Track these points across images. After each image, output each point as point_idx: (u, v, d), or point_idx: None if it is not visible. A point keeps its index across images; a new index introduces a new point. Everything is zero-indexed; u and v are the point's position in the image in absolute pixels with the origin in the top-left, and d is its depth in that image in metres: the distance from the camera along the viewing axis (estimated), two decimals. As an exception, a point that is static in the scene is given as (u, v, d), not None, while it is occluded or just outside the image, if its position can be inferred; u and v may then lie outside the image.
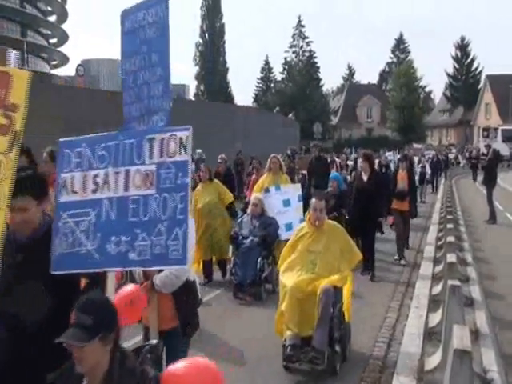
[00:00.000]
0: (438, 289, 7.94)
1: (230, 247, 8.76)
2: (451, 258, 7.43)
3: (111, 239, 2.86)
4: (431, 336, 6.25)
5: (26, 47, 62.72)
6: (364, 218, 9.17)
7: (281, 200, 9.28)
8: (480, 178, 22.05)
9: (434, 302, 7.43)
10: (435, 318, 6.67)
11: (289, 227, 8.89)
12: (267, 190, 9.36)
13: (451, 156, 34.41)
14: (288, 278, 5.61)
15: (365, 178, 9.55)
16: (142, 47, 4.12)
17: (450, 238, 9.23)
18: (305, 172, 14.13)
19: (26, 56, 64.29)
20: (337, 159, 17.50)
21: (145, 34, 4.07)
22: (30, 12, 68.69)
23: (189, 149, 2.88)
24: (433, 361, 5.33)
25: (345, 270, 5.67)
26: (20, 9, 66.26)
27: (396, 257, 10.57)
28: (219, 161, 13.46)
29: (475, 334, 6.09)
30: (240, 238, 8.32)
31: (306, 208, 10.40)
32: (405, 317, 7.03)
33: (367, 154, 10.12)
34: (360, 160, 9.87)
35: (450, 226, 11.03)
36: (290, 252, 5.90)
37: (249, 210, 8.71)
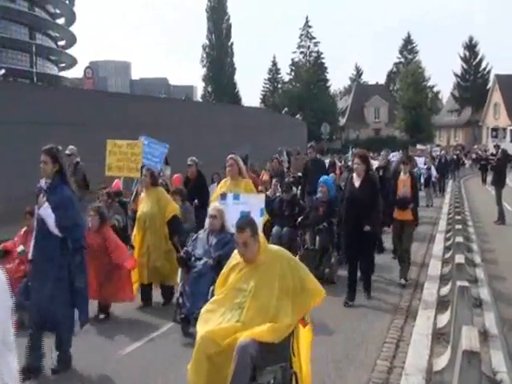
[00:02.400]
0: (446, 290, 7.92)
1: (179, 271, 6.86)
2: (460, 258, 7.41)
3: None
4: (440, 337, 6.24)
5: (34, 50, 63.06)
6: (358, 233, 7.72)
7: (239, 212, 7.31)
8: (489, 178, 21.73)
9: (442, 303, 7.41)
10: (443, 319, 6.66)
11: None
12: (224, 197, 7.78)
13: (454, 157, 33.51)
14: (203, 324, 4.26)
15: (357, 183, 7.92)
16: None
17: (459, 239, 9.20)
18: (300, 174, 13.20)
19: (34, 58, 64.62)
20: (338, 162, 16.34)
21: None
22: (39, 14, 69.10)
23: None
24: (441, 362, 5.32)
25: (285, 318, 4.13)
26: (28, 11, 66.65)
27: (402, 282, 8.96)
28: (189, 163, 11.04)
29: (484, 335, 6.09)
30: (193, 259, 6.59)
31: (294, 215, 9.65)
32: (413, 318, 7.01)
33: (363, 154, 8.24)
34: (354, 161, 8.06)
35: (458, 226, 10.98)
36: (221, 285, 4.57)
37: (206, 224, 6.95)
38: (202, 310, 4.41)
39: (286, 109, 57.56)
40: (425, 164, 21.89)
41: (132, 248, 8.09)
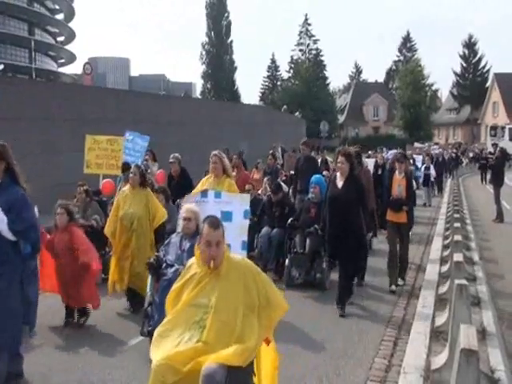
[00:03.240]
0: (444, 288, 7.92)
1: (149, 279, 6.01)
2: (458, 257, 7.40)
3: None
4: (438, 335, 6.24)
5: (33, 45, 63.02)
6: (344, 237, 7.09)
7: (219, 211, 6.70)
8: (489, 177, 21.59)
9: (440, 301, 7.41)
10: (442, 318, 6.66)
11: None
12: (204, 194, 7.05)
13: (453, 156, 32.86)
14: (156, 350, 3.68)
15: (339, 183, 7.30)
16: None
17: (457, 237, 9.20)
18: (292, 172, 12.40)
19: (33, 54, 64.56)
20: (329, 159, 15.46)
21: None
22: (38, 10, 69.05)
23: None
24: (439, 360, 5.32)
25: (252, 337, 3.65)
26: (28, 7, 66.59)
27: (393, 288, 8.34)
28: (171, 160, 10.21)
29: (482, 334, 6.09)
30: (164, 265, 5.92)
31: (285, 217, 8.97)
32: (411, 316, 7.01)
33: (347, 152, 7.43)
34: (338, 159, 7.35)
35: (456, 224, 10.98)
36: (173, 303, 3.96)
37: (179, 227, 6.29)
38: (154, 335, 3.81)
39: (285, 106, 57.52)
40: (423, 163, 21.49)
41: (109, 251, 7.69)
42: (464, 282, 5.87)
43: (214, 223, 3.88)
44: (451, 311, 5.85)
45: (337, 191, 7.25)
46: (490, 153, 24.51)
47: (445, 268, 9.23)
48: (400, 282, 8.55)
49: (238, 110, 35.75)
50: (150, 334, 5.41)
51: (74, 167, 12.70)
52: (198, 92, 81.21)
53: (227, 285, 3.75)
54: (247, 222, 7.07)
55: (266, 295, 3.83)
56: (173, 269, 5.71)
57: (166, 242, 6.16)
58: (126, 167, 10.09)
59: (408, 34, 79.51)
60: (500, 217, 16.03)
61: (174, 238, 6.06)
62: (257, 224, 9.58)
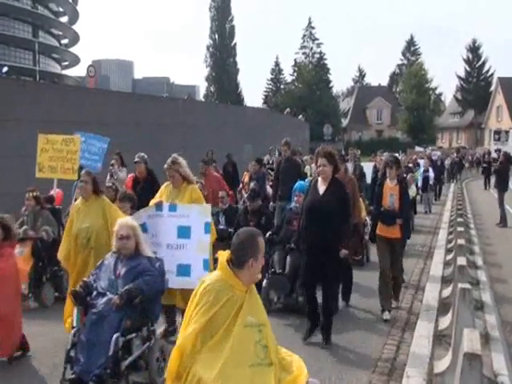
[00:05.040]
0: (447, 292, 7.90)
1: (75, 311, 4.90)
2: (461, 261, 7.38)
3: None
4: (441, 339, 6.23)
5: (37, 48, 63.19)
6: (321, 254, 5.96)
7: (176, 226, 5.99)
8: (492, 182, 21.23)
9: (443, 305, 7.40)
10: (445, 321, 6.64)
11: (184, 271, 5.85)
12: (159, 207, 6.18)
13: (447, 162, 31.62)
14: (212, 369, 3.20)
15: (321, 189, 6.15)
16: None
17: (461, 241, 9.18)
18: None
19: (37, 56, 64.75)
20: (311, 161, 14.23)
21: None
22: (42, 13, 69.33)
23: None
24: (442, 364, 5.31)
25: (278, 348, 3.62)
26: (32, 10, 66.87)
27: (386, 317, 7.11)
28: (136, 160, 9.09)
29: (485, 338, 6.07)
30: (94, 294, 4.86)
31: (267, 227, 7.89)
32: (414, 319, 7.00)
33: (329, 152, 6.23)
34: (318, 161, 6.23)
35: (460, 228, 10.95)
36: (206, 331, 3.32)
37: (114, 246, 5.13)
38: (209, 376, 3.18)
39: (288, 109, 57.57)
40: (423, 166, 20.74)
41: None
42: (467, 286, 5.86)
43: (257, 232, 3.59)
44: (454, 315, 5.84)
45: (317, 198, 6.11)
46: (494, 159, 24.40)
47: (448, 272, 9.20)
48: (393, 303, 7.51)
49: (241, 112, 35.77)
50: (73, 383, 4.45)
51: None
52: (201, 95, 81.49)
53: (258, 300, 3.59)
54: (208, 237, 6.06)
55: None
56: (104, 299, 4.72)
57: (99, 263, 5.13)
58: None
59: (412, 38, 79.65)
60: (504, 221, 15.99)
61: (108, 260, 5.05)
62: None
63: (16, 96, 14.94)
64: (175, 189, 6.44)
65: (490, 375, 5.08)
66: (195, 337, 3.30)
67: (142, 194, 7.91)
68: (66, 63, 79.58)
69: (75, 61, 79.52)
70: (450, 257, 10.23)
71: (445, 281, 8.76)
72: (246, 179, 13.20)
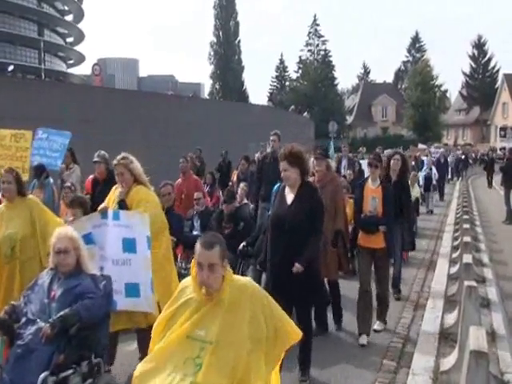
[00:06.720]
0: (453, 289, 7.88)
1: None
2: (467, 258, 7.37)
3: None
4: (447, 337, 6.21)
5: (42, 46, 63.34)
6: (288, 274, 4.78)
7: (120, 238, 5.04)
8: (496, 179, 20.89)
9: (449, 303, 7.38)
10: (451, 319, 6.63)
11: (133, 290, 4.91)
12: (105, 214, 5.18)
13: (450, 159, 30.66)
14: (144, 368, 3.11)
15: (289, 198, 5.06)
16: None
17: (467, 239, 9.16)
18: None
19: (42, 55, 64.90)
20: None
21: None
22: (47, 11, 69.50)
23: None
24: (448, 362, 5.30)
25: (259, 378, 3.02)
26: (37, 8, 67.05)
27: (362, 341, 6.14)
28: (96, 159, 8.08)
29: (491, 336, 6.06)
30: (23, 321, 4.01)
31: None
32: (420, 317, 6.98)
33: (293, 153, 4.99)
34: (280, 165, 5.05)
35: (466, 226, 10.92)
36: (163, 329, 3.26)
37: (50, 262, 4.29)
38: (135, 374, 3.10)
39: (292, 106, 57.49)
40: (426, 164, 20.12)
41: None
42: (473, 283, 5.86)
43: (207, 241, 3.11)
44: (460, 313, 5.83)
45: (283, 209, 5.02)
46: (500, 158, 24.26)
47: (454, 269, 9.19)
48: (378, 326, 6.57)
49: (246, 110, 35.78)
50: None
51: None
52: (206, 92, 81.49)
53: (229, 314, 3.07)
54: (149, 252, 5.00)
55: (275, 325, 3.18)
56: (33, 328, 3.87)
57: (32, 283, 4.26)
58: (40, 171, 8.68)
59: (417, 34, 79.34)
60: (510, 219, 15.93)
61: (43, 278, 4.20)
62: None
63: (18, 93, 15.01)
64: (123, 191, 5.33)
65: (497, 373, 5.07)
66: (160, 323, 3.28)
67: (99, 197, 6.80)
68: (72, 62, 79.78)
69: (80, 59, 79.71)
70: (455, 254, 10.21)
71: (451, 278, 8.75)
72: (235, 178, 12.58)
